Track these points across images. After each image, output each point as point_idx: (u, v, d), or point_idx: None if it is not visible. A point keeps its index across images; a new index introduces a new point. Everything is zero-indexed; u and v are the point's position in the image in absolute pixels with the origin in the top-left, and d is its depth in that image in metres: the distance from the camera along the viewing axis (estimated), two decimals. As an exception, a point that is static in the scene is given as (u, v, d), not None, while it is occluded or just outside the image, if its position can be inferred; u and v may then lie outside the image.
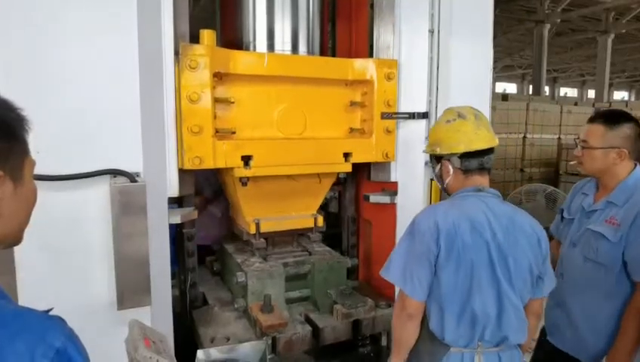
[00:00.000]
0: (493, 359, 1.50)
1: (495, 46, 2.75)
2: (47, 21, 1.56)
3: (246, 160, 2.16)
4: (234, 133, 2.21)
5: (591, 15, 14.65)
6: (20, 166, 0.76)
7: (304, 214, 2.64)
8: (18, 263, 1.58)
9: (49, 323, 0.68)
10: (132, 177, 1.66)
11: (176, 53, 1.93)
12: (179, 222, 2.05)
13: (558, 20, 14.32)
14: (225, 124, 2.21)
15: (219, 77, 2.15)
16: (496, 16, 2.76)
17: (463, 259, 1.44)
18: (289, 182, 2.45)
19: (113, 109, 1.68)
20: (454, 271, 1.45)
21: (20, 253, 1.55)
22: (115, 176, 1.66)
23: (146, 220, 1.66)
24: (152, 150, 1.81)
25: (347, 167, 2.45)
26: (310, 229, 2.64)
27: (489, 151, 1.58)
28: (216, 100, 2.12)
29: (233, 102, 2.22)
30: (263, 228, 2.48)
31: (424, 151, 1.77)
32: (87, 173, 1.62)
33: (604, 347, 1.79)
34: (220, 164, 2.11)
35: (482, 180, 1.58)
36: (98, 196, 1.65)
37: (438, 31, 2.39)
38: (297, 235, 2.77)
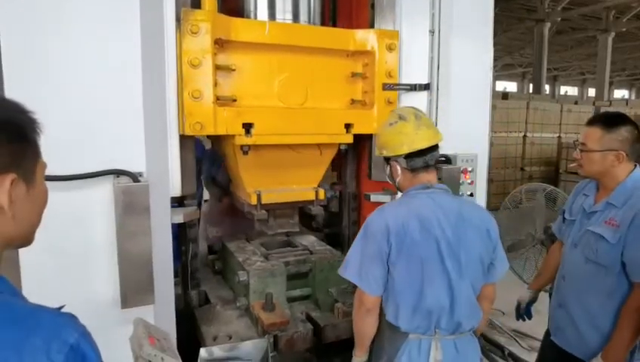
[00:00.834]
0: (449, 346, 1.59)
1: (495, 44, 2.77)
2: (47, 14, 1.57)
3: (247, 128, 2.16)
4: (235, 100, 2.21)
5: (591, 13, 14.64)
6: (33, 168, 0.78)
7: (305, 187, 2.63)
8: (23, 262, 1.60)
9: (63, 320, 0.70)
10: (135, 177, 1.67)
11: (178, 19, 1.94)
12: (181, 221, 2.06)
13: (559, 19, 14.33)
14: (226, 92, 2.20)
15: (220, 44, 2.14)
16: (496, 14, 2.77)
17: (413, 256, 1.54)
18: (290, 153, 2.45)
19: (116, 108, 1.69)
20: (406, 268, 1.55)
21: (25, 252, 1.56)
22: (118, 176, 1.67)
23: (149, 220, 1.67)
24: (155, 150, 1.82)
25: (348, 138, 2.44)
26: (311, 202, 2.61)
27: (432, 148, 1.65)
28: (218, 68, 2.12)
29: (234, 70, 2.21)
30: (264, 200, 2.45)
31: (377, 154, 1.83)
32: (91, 173, 1.63)
33: None
34: (221, 131, 2.10)
35: (429, 177, 1.67)
36: (102, 196, 1.67)
37: (439, 31, 2.40)
38: (298, 208, 2.74)
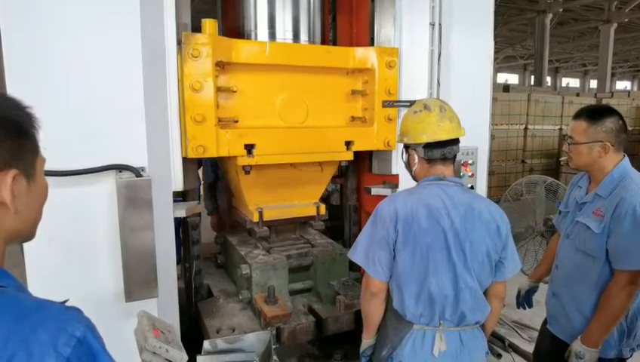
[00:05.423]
0: (453, 337, 1.60)
1: (496, 36, 2.76)
2: (50, 15, 1.58)
3: (249, 148, 2.18)
4: (236, 121, 2.22)
5: (593, 4, 14.53)
6: (32, 163, 0.78)
7: (306, 203, 2.66)
8: (27, 257, 1.61)
9: (69, 313, 0.71)
10: (137, 172, 1.68)
11: (179, 42, 1.94)
12: (184, 215, 2.08)
13: (560, 10, 14.22)
14: (227, 113, 2.22)
15: (221, 66, 2.15)
16: (497, 6, 2.76)
17: (419, 243, 1.55)
18: (291, 171, 2.47)
19: (118, 105, 1.70)
20: (411, 254, 1.56)
21: (30, 246, 1.57)
22: (120, 171, 1.69)
23: (152, 214, 1.69)
24: (157, 145, 1.84)
25: (349, 155, 2.46)
26: (312, 217, 2.66)
27: (452, 141, 1.66)
28: (219, 89, 2.13)
29: (235, 91, 2.23)
30: (266, 217, 2.49)
31: (398, 141, 1.82)
32: (94, 168, 1.65)
33: None
34: (223, 153, 2.12)
35: (445, 169, 1.67)
36: (104, 191, 1.69)
37: (439, 24, 2.40)
38: (300, 223, 2.78)
